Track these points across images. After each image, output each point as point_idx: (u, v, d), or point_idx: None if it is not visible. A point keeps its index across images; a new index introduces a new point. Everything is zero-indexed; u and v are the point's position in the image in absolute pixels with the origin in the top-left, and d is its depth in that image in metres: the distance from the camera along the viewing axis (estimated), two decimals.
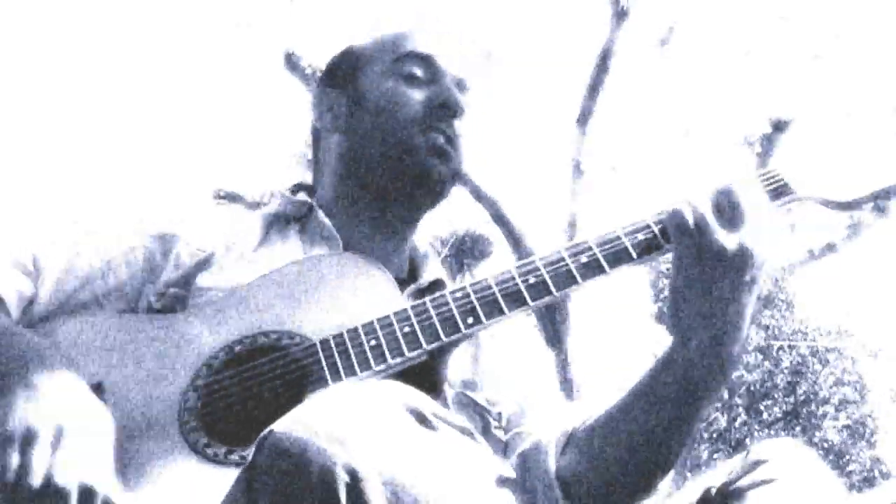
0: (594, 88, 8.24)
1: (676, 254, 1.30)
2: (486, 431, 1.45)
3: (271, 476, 0.97)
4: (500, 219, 8.13)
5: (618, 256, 1.35)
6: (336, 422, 0.97)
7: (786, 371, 16.78)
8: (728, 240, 1.26)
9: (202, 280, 1.48)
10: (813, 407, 16.85)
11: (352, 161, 1.61)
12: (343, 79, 1.65)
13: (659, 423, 1.32)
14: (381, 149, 1.56)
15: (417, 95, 1.57)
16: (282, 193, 1.65)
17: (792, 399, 16.89)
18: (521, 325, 1.68)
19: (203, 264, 1.50)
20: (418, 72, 1.59)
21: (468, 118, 1.60)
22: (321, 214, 1.58)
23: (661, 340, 17.02)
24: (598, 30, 8.35)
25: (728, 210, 1.28)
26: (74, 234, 1.54)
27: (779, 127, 8.56)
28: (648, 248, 1.35)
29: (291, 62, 8.40)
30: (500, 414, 1.48)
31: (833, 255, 8.55)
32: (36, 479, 1.13)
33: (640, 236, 1.36)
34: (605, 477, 1.36)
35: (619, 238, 1.36)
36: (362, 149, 1.59)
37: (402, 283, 1.53)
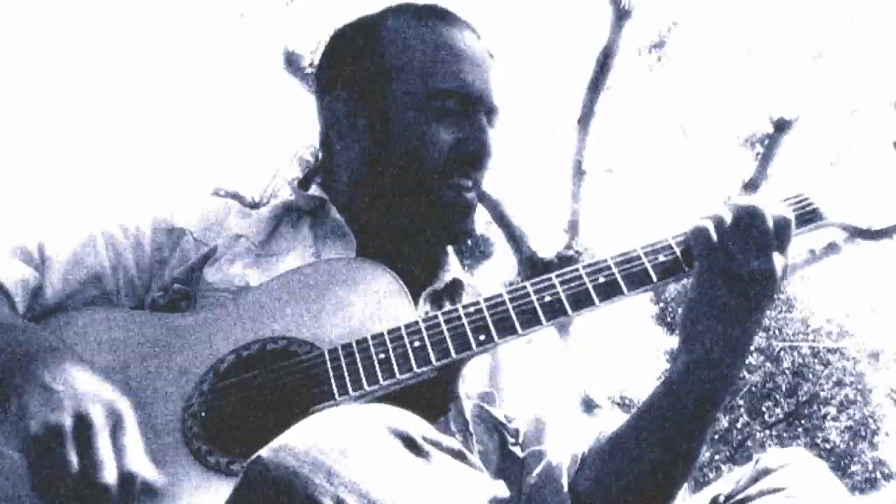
0: (595, 88, 8.22)
1: (700, 275, 1.27)
2: (502, 448, 1.43)
3: (258, 503, 0.96)
4: (501, 219, 8.12)
5: (636, 278, 1.30)
6: (324, 449, 0.96)
7: (787, 372, 16.78)
8: (756, 264, 1.24)
9: (209, 275, 1.45)
10: (814, 408, 16.84)
11: (371, 183, 1.52)
12: (368, 87, 1.52)
13: (674, 437, 1.32)
14: (404, 187, 1.48)
15: (447, 137, 1.47)
16: (293, 185, 1.61)
17: (793, 400, 16.89)
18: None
19: (206, 258, 1.47)
20: (451, 108, 1.48)
21: (498, 142, 1.54)
22: (335, 211, 1.53)
23: (660, 341, 17.00)
24: (600, 30, 8.33)
25: (755, 232, 1.25)
26: (81, 226, 1.51)
27: (780, 127, 8.54)
28: (669, 271, 1.31)
29: (291, 62, 8.38)
30: (517, 430, 1.45)
31: (834, 255, 8.52)
32: (71, 474, 1.10)
33: (661, 257, 1.32)
34: (622, 493, 1.35)
35: (638, 258, 1.32)
36: (383, 178, 1.50)
37: (419, 284, 1.49)
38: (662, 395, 1.33)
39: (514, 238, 8.08)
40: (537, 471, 1.42)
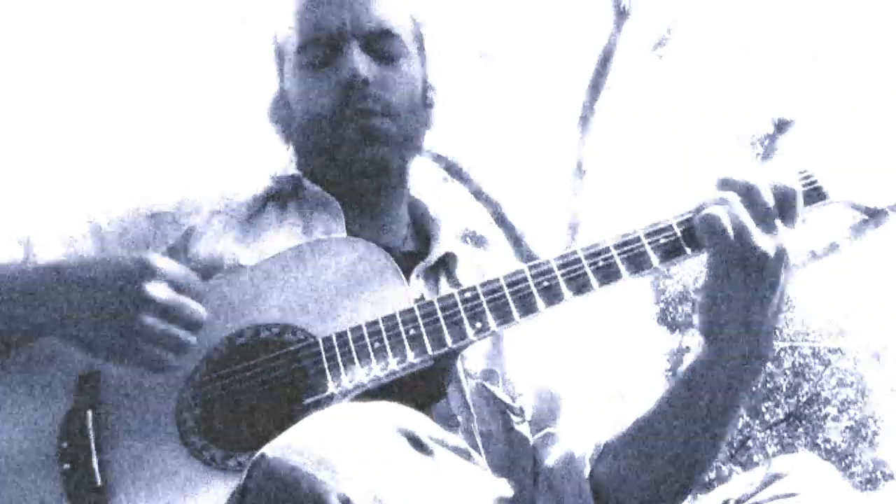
0: (595, 89, 8.22)
1: (714, 261, 1.25)
2: (507, 428, 1.40)
3: (262, 502, 0.95)
4: (500, 219, 8.11)
5: (637, 261, 1.28)
6: (329, 447, 0.95)
7: (788, 372, 16.76)
8: (763, 240, 1.22)
9: (197, 253, 1.44)
10: (815, 408, 16.82)
11: (303, 159, 1.58)
12: (277, 73, 1.62)
13: (701, 425, 1.31)
14: (315, 151, 1.53)
15: (324, 85, 1.51)
16: (271, 174, 1.61)
17: (794, 400, 16.87)
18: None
19: (187, 238, 1.46)
20: (320, 55, 1.52)
21: (396, 64, 1.52)
22: (309, 183, 1.54)
23: (660, 341, 17.00)
24: (600, 30, 8.33)
25: (757, 207, 1.23)
26: (68, 217, 1.50)
27: (781, 127, 8.54)
28: (670, 253, 1.29)
29: None
30: (522, 408, 1.42)
31: (835, 255, 8.52)
32: (171, 339, 1.22)
33: (662, 239, 1.29)
34: (648, 481, 1.34)
35: (638, 240, 1.30)
36: (303, 151, 1.57)
37: (410, 258, 1.48)
38: (687, 385, 1.31)
39: (514, 238, 8.07)
40: (555, 456, 1.40)
